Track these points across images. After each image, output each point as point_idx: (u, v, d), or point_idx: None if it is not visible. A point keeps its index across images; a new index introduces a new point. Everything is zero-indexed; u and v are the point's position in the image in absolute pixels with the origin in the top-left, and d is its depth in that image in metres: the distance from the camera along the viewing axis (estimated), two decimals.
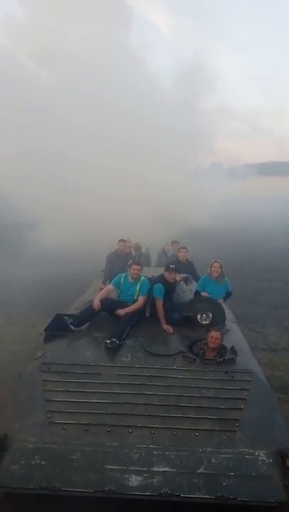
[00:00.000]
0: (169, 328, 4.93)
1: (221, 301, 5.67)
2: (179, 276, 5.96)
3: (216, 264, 5.64)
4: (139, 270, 5.23)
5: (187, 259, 7.43)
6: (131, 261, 5.74)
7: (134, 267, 5.22)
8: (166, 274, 5.29)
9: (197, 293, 5.72)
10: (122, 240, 7.55)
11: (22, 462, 3.04)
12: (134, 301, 5.14)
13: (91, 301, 5.22)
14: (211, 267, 5.68)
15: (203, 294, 5.60)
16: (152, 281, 5.39)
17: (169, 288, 5.34)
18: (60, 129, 19.29)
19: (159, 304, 5.09)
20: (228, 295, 5.95)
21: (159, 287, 5.17)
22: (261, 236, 20.81)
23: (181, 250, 7.46)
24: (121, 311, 4.98)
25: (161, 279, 5.31)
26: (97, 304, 5.00)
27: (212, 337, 4.34)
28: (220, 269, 5.62)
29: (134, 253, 8.53)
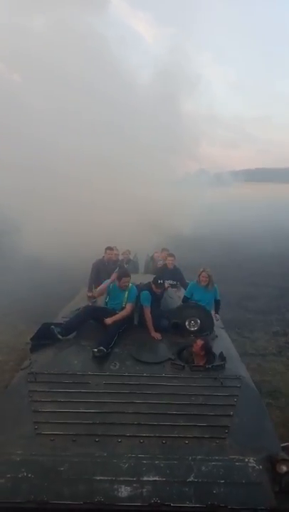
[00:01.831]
0: (157, 336, 4.90)
1: (212, 312, 5.69)
2: (166, 284, 5.96)
3: (204, 274, 5.66)
4: (129, 282, 5.24)
5: (175, 266, 7.45)
6: (118, 270, 5.65)
7: (124, 279, 5.19)
8: (154, 287, 5.25)
9: (186, 298, 5.74)
10: (109, 248, 7.51)
11: (8, 475, 2.97)
12: (123, 309, 5.11)
13: (79, 309, 5.17)
14: (199, 275, 5.71)
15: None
16: (140, 288, 5.37)
17: (157, 295, 5.32)
18: (37, 136, 18.78)
19: (147, 311, 5.06)
20: (217, 303, 5.97)
21: (146, 294, 5.14)
22: (247, 241, 21.00)
23: (168, 258, 7.49)
24: (109, 320, 4.93)
25: (149, 286, 5.29)
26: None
27: (196, 345, 4.37)
28: (208, 279, 5.66)
29: (120, 258, 8.49)
